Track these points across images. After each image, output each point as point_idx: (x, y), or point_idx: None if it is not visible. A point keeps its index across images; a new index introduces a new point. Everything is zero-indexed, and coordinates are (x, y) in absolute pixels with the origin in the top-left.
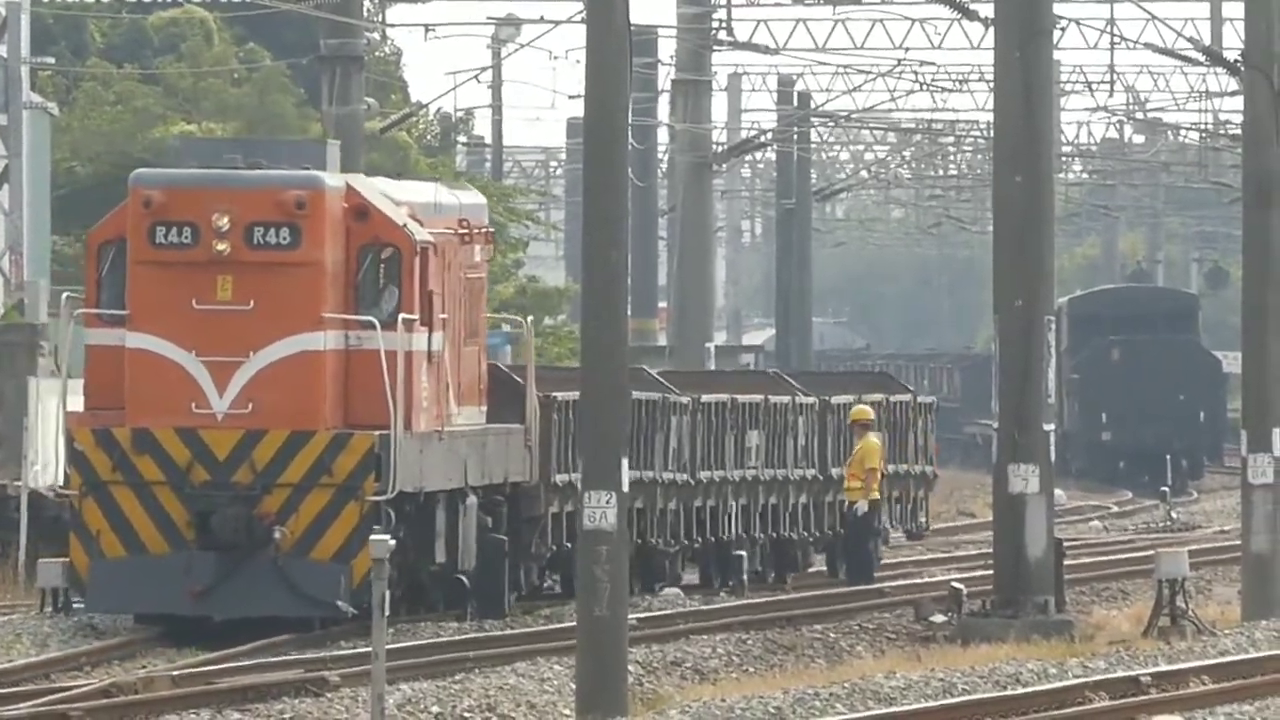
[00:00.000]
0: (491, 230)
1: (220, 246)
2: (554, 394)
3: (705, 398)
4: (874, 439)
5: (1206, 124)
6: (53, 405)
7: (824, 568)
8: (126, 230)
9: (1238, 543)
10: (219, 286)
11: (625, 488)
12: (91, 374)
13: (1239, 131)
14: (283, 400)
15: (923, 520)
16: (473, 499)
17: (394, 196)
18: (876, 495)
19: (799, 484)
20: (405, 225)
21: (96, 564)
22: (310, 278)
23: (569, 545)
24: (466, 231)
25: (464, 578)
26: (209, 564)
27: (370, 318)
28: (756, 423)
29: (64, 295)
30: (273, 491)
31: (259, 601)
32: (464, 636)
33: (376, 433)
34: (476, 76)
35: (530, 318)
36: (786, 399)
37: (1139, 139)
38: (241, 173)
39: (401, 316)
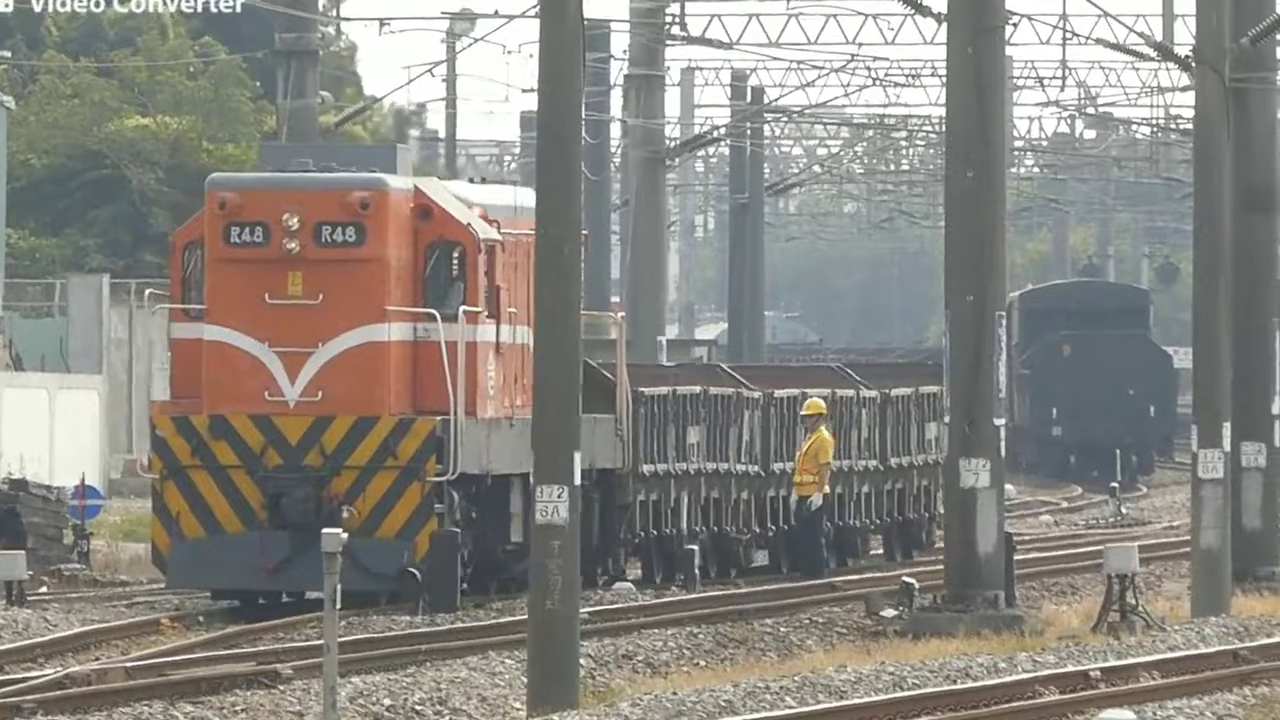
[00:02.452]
0: (585, 233)
1: (290, 245)
2: (642, 388)
3: (777, 393)
4: (826, 433)
5: (1158, 119)
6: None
7: (881, 550)
8: (204, 230)
9: (1187, 538)
10: (290, 282)
11: (577, 481)
12: (175, 366)
13: (1190, 127)
14: (350, 388)
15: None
16: None
17: (467, 198)
18: (827, 489)
19: (862, 474)
20: (470, 224)
21: (177, 544)
22: (375, 273)
23: (655, 533)
24: None
25: (415, 571)
26: (281, 542)
27: (431, 310)
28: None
29: (147, 291)
30: (341, 474)
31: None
32: (416, 630)
33: (438, 418)
34: (431, 70)
35: (621, 314)
36: (851, 392)
37: (1090, 134)
38: (309, 175)
39: (464, 309)
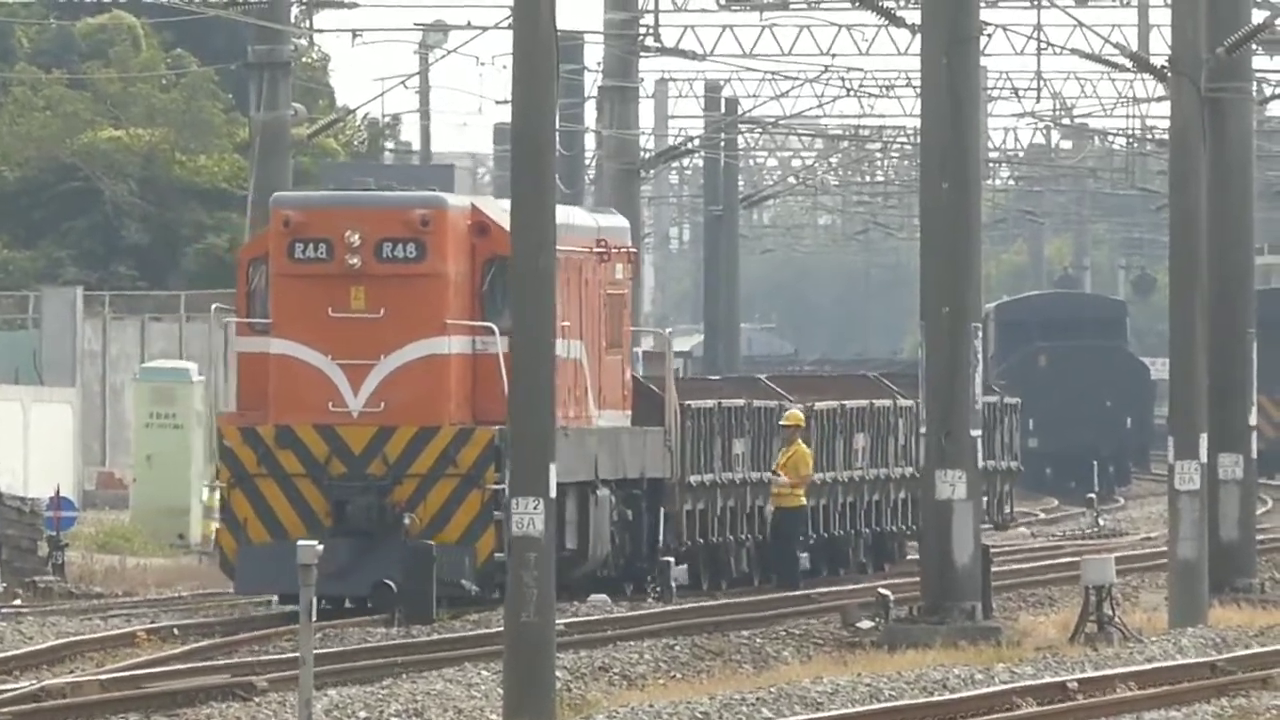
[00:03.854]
0: (634, 250)
1: (352, 260)
2: (689, 401)
3: (817, 405)
4: (804, 446)
5: (1133, 130)
6: None
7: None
8: (269, 247)
9: (1164, 549)
10: (352, 296)
11: (553, 493)
12: (241, 378)
13: (1165, 137)
14: (411, 399)
15: (1008, 512)
16: (604, 492)
17: None
18: (804, 500)
19: (899, 481)
20: None
21: (244, 550)
22: (434, 288)
23: (702, 541)
24: (604, 250)
25: (390, 582)
26: (345, 548)
27: (489, 324)
28: (863, 426)
29: (213, 306)
30: (403, 482)
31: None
32: (392, 642)
33: (496, 427)
34: (404, 82)
35: (669, 330)
36: (888, 403)
37: (1066, 145)
38: (371, 193)
39: None
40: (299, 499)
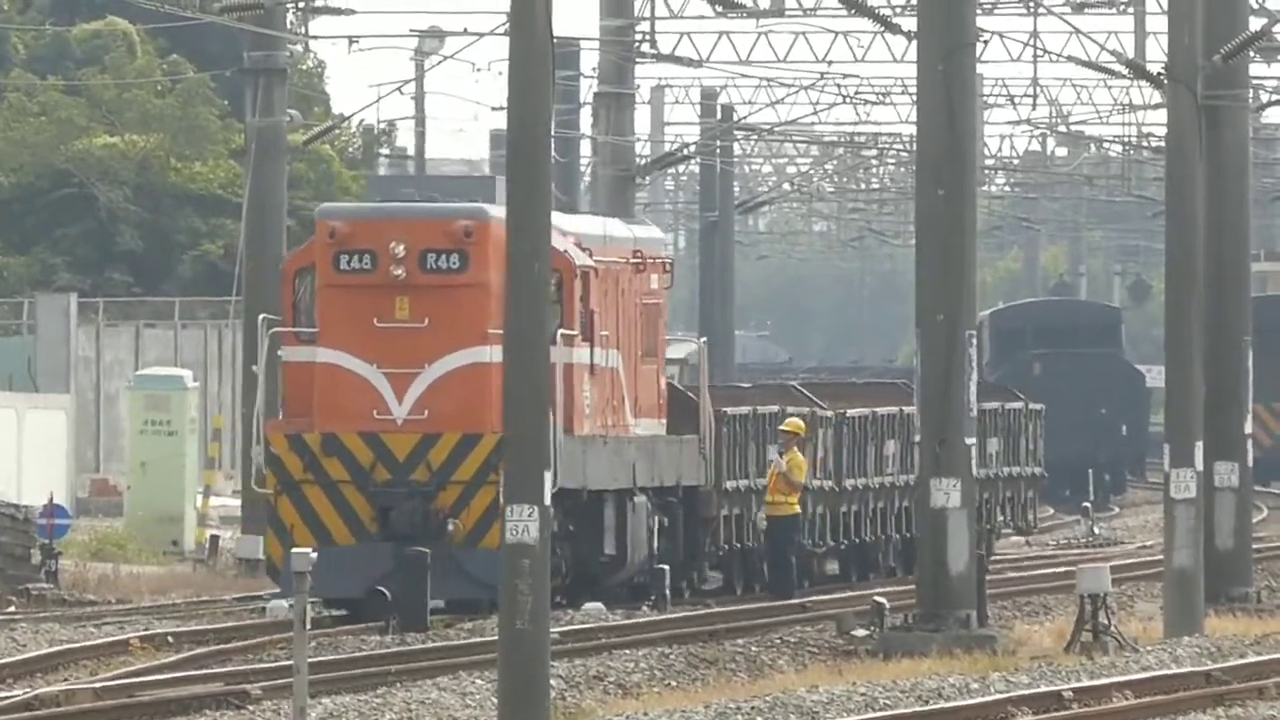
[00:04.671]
0: (670, 260)
1: (397, 271)
2: (725, 409)
3: (849, 412)
4: (800, 454)
5: (1129, 137)
6: None
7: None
8: (315, 258)
9: (1160, 558)
10: (397, 306)
11: (547, 501)
12: (286, 387)
13: (1162, 144)
14: (454, 407)
15: (1031, 518)
16: (641, 498)
17: (561, 227)
18: (798, 509)
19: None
20: (566, 251)
21: (290, 555)
22: (477, 298)
23: (738, 545)
24: (640, 261)
25: (385, 590)
26: (390, 554)
27: None
28: (893, 433)
29: (261, 316)
30: (446, 488)
31: (435, 586)
32: (386, 650)
33: None
34: (399, 89)
35: (704, 339)
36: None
37: (1062, 152)
38: (415, 205)
39: (561, 332)
40: (344, 505)
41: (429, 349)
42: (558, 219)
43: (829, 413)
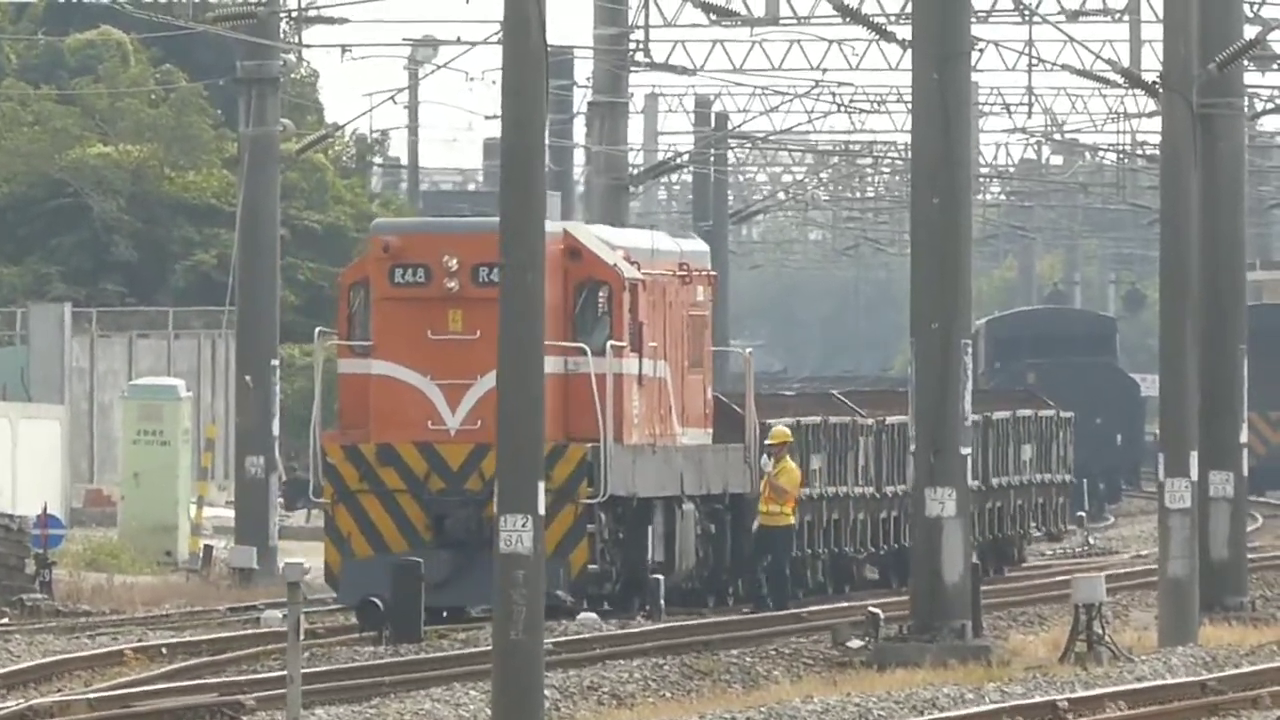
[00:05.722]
0: (714, 274)
1: (450, 284)
2: (769, 420)
3: (889, 419)
4: (791, 463)
5: (1124, 145)
6: None
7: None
8: (369, 272)
9: (1155, 567)
10: (450, 319)
11: (541, 510)
12: (342, 397)
13: (1157, 153)
14: None
15: (1062, 524)
16: (689, 506)
17: (610, 241)
18: (792, 520)
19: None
20: (615, 265)
21: (347, 563)
22: None
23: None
24: (686, 274)
25: (377, 600)
26: (444, 561)
27: (582, 345)
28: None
29: (317, 329)
30: None
31: (487, 594)
32: (379, 661)
33: (589, 444)
34: (393, 98)
35: (750, 349)
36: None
37: (1057, 160)
38: (467, 219)
39: (611, 343)
40: (400, 514)
41: (481, 361)
42: (607, 233)
43: (869, 420)
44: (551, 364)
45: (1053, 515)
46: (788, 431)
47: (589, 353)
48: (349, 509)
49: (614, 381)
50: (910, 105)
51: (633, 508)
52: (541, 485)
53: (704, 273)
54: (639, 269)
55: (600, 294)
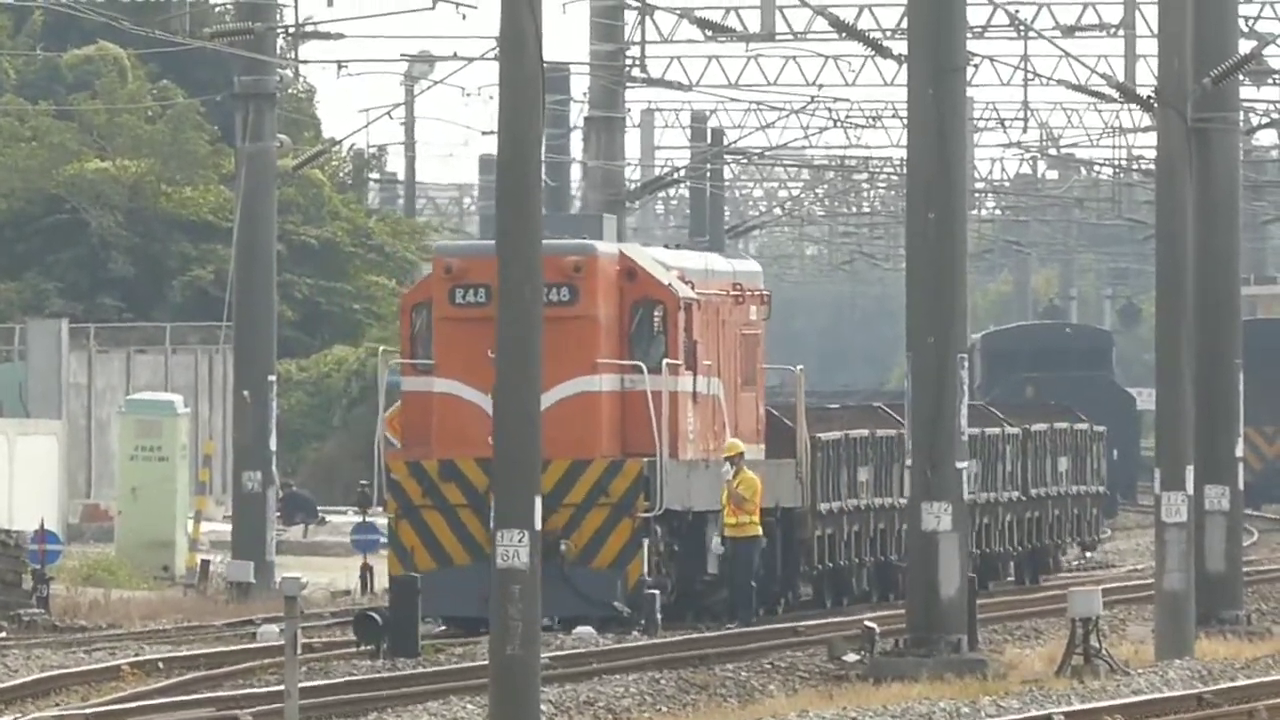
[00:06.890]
0: (767, 293)
1: None
2: (819, 434)
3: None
4: (750, 473)
5: (1120, 160)
6: None
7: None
8: (431, 293)
9: (1151, 581)
10: None
11: (538, 525)
12: (405, 415)
13: (1152, 168)
14: (565, 433)
15: (1095, 534)
16: None
17: (665, 262)
18: (760, 531)
19: (1006, 504)
20: (670, 284)
21: (436, 572)
22: (587, 330)
23: (831, 565)
24: (740, 294)
25: (375, 614)
26: None
27: (638, 363)
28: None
29: (380, 349)
30: (559, 510)
31: (548, 604)
32: (376, 675)
33: (645, 459)
34: (389, 113)
35: (800, 367)
36: (996, 430)
37: (1052, 175)
38: None
39: (666, 361)
40: (461, 528)
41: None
42: (663, 254)
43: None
44: (609, 381)
45: (1087, 525)
46: (739, 443)
47: (645, 370)
48: (412, 523)
49: (669, 398)
50: (906, 120)
51: (688, 521)
52: (538, 500)
53: (757, 292)
54: (693, 289)
55: (656, 313)
